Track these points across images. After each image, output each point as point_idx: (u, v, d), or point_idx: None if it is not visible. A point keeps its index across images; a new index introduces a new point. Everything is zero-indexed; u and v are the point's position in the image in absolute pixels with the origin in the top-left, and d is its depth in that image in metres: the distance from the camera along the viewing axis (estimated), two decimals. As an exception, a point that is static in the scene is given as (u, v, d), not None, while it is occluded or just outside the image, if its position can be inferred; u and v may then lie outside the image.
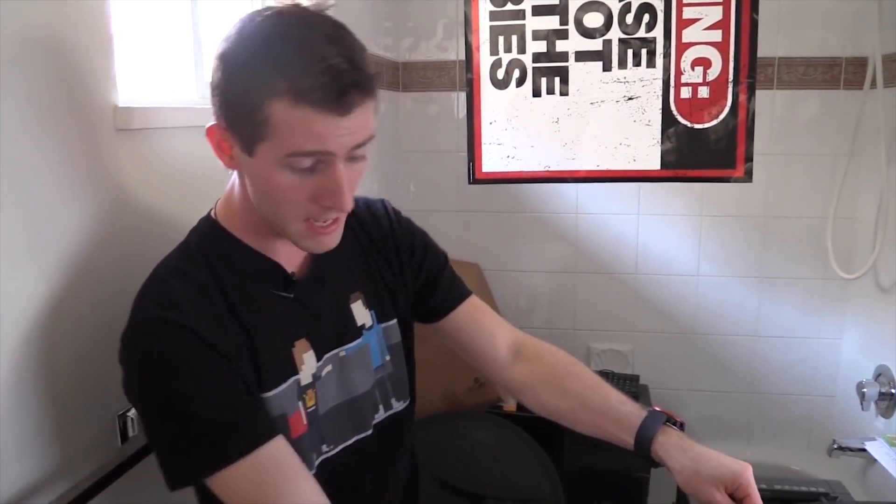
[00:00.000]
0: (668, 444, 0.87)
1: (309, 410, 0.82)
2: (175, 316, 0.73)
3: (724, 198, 2.06)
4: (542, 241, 2.19)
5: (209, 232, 0.82)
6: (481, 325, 1.00)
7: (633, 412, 0.91)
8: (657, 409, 0.91)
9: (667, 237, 2.12)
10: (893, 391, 1.80)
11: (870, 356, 1.90)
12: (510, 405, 1.99)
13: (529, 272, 2.22)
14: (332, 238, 0.79)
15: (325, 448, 0.85)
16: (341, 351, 0.86)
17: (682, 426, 0.90)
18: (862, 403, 1.84)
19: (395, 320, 0.94)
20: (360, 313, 0.90)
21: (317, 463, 0.83)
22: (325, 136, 0.69)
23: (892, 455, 1.26)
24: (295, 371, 0.81)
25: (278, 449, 0.74)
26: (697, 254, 2.10)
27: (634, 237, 2.13)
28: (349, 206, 0.74)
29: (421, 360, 1.01)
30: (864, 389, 1.83)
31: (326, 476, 0.82)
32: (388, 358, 0.93)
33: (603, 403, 0.93)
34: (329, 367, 0.85)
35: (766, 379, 2.13)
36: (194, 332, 0.73)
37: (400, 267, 0.95)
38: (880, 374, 1.85)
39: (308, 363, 0.82)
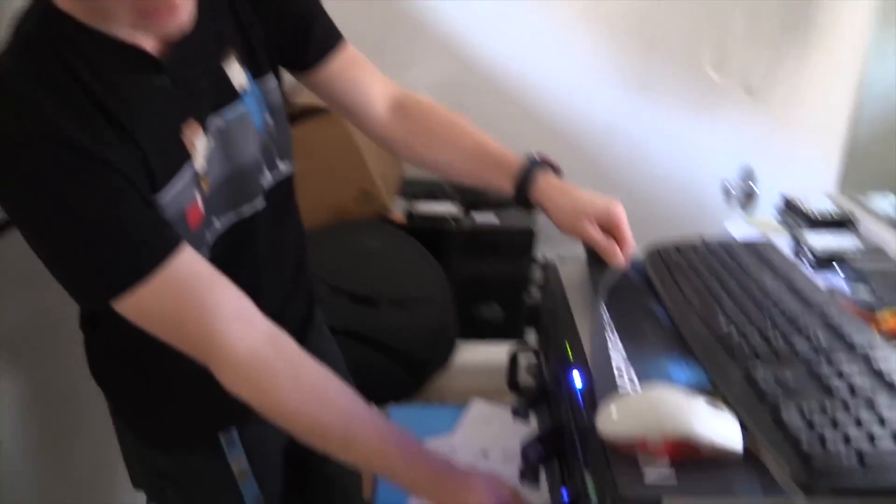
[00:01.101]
0: (547, 186, 0.89)
1: (205, 196, 0.78)
2: (41, 130, 0.63)
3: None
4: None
5: (46, 18, 0.67)
6: (356, 77, 0.94)
7: (512, 158, 0.91)
8: (536, 155, 0.91)
9: (546, 47, 2.11)
10: (753, 188, 1.93)
11: (735, 157, 2.02)
12: (397, 215, 2.00)
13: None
14: (179, 14, 0.66)
15: (216, 222, 0.81)
16: (218, 120, 0.80)
17: (559, 171, 0.92)
18: (727, 200, 1.97)
19: (271, 73, 0.88)
20: (236, 73, 0.83)
21: (211, 241, 0.80)
22: None
23: (749, 228, 1.37)
24: (188, 157, 0.74)
25: (189, 258, 0.70)
26: (577, 63, 2.11)
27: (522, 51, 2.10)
28: None
29: (305, 171, 0.97)
30: (729, 186, 1.96)
31: (221, 250, 0.79)
32: (269, 120, 0.88)
33: (482, 151, 0.93)
34: (211, 142, 0.79)
35: (641, 183, 2.23)
36: (69, 145, 0.63)
37: (267, 9, 0.86)
38: (744, 173, 1.97)
39: (200, 146, 0.76)
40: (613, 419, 0.60)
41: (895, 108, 1.51)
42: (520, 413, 0.95)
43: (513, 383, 1.00)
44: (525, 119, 2.17)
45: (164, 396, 0.90)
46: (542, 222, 2.05)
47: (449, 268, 1.92)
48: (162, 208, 0.71)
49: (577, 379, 0.70)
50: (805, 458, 0.55)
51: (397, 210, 2.02)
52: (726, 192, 1.97)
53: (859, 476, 0.54)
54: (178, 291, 0.69)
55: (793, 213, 1.37)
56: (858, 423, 0.58)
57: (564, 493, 0.68)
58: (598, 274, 0.86)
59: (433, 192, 2.09)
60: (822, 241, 1.14)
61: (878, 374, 0.65)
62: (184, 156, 0.74)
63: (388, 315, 1.79)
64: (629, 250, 0.86)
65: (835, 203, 1.36)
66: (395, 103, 0.96)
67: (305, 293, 1.02)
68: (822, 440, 0.56)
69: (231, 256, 0.79)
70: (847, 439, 0.56)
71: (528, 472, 0.75)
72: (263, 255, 0.89)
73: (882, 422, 0.58)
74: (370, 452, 0.74)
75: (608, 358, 0.70)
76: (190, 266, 0.70)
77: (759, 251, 0.91)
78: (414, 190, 2.10)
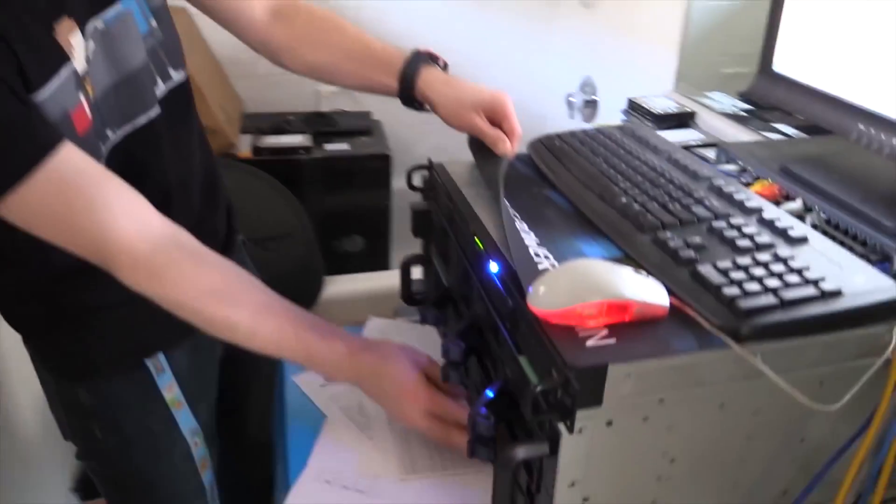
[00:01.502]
0: (432, 79, 0.87)
1: (91, 100, 0.73)
2: None
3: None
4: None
5: None
6: None
7: (396, 54, 0.89)
8: (421, 49, 0.88)
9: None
10: (595, 98, 2.00)
11: (576, 69, 2.08)
12: (243, 151, 1.87)
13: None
14: None
15: (109, 134, 0.76)
16: (97, 22, 0.74)
17: (445, 66, 0.89)
18: (570, 112, 2.03)
19: None
20: None
21: (105, 153, 0.76)
22: None
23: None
24: (66, 58, 0.69)
25: (74, 155, 0.66)
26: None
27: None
28: None
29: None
30: (572, 99, 2.02)
31: (120, 164, 0.75)
32: (153, 23, 0.82)
33: (365, 51, 0.91)
34: (92, 45, 0.73)
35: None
36: None
37: None
38: (585, 84, 2.04)
39: (78, 46, 0.70)
40: (545, 294, 0.59)
41: (724, 10, 1.61)
42: (429, 319, 0.93)
43: (407, 295, 0.97)
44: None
45: (83, 326, 0.84)
46: (395, 147, 2.01)
47: (305, 202, 1.84)
48: (42, 108, 0.66)
49: (493, 267, 0.68)
50: (729, 304, 0.57)
51: (243, 146, 1.89)
52: (569, 105, 2.03)
53: (780, 313, 0.57)
54: (63, 188, 0.65)
55: (639, 113, 1.43)
56: (768, 268, 0.61)
57: (489, 390, 0.67)
58: (487, 167, 0.84)
59: (279, 126, 1.97)
60: (670, 136, 1.20)
61: (775, 229, 0.68)
62: (61, 56, 0.68)
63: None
64: (517, 140, 0.86)
65: (675, 102, 1.44)
66: (274, 9, 0.92)
67: (223, 213, 0.99)
68: (741, 287, 0.59)
69: (131, 170, 0.74)
70: (762, 283, 0.59)
71: (450, 372, 0.73)
72: (165, 171, 0.84)
73: (788, 265, 0.62)
74: (282, 337, 0.74)
75: (523, 243, 0.69)
76: (76, 163, 0.66)
77: (636, 134, 0.94)
78: (258, 124, 1.98)
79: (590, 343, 0.56)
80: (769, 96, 0.99)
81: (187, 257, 0.72)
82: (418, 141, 1.97)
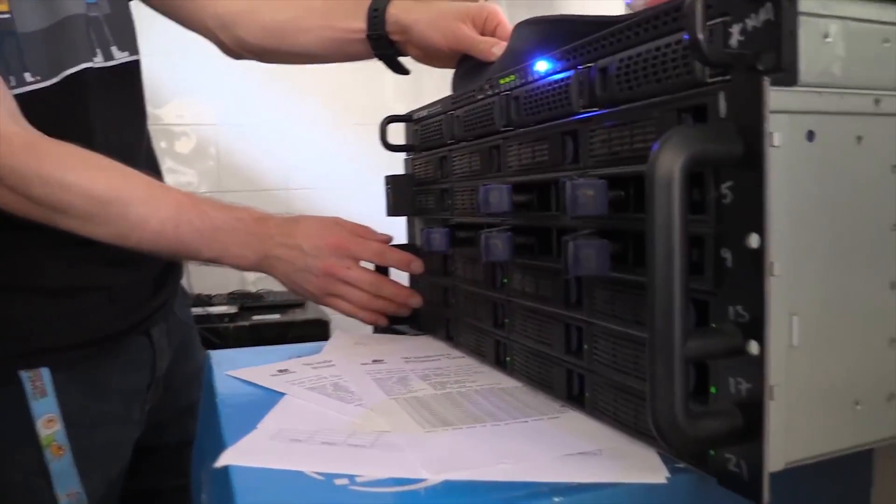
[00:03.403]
0: (406, 4, 0.77)
1: None
2: None
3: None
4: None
5: None
6: None
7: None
8: None
9: (316, 146, 2.03)
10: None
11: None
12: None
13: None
14: None
15: (29, 77, 0.68)
16: None
17: None
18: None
19: None
20: None
21: (20, 91, 0.67)
22: None
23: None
24: None
25: None
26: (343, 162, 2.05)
27: (282, 149, 2.00)
28: None
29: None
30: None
31: (40, 114, 0.67)
32: None
33: (329, 4, 0.83)
34: None
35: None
36: None
37: None
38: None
39: None
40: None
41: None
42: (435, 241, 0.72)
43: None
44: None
45: None
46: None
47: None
48: None
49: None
50: None
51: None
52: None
53: None
54: None
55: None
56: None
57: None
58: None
59: (201, 300, 1.77)
60: None
61: None
62: None
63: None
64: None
65: None
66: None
67: None
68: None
69: (51, 123, 0.66)
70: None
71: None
72: (90, 135, 0.72)
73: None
74: (181, 212, 0.65)
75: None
76: None
77: None
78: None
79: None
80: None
81: (71, 149, 0.64)
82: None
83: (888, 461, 0.47)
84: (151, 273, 0.78)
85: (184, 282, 0.89)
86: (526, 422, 0.48)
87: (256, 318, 1.75)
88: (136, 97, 0.81)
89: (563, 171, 0.50)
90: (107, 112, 0.74)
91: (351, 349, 0.72)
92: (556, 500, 0.36)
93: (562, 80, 0.49)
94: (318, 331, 1.73)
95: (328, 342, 0.75)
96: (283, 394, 0.56)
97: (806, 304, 0.36)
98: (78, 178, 0.62)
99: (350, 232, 0.71)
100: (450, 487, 0.38)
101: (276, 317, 1.76)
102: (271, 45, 0.84)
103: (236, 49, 0.86)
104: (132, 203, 0.63)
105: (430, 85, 1.87)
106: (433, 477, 0.39)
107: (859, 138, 0.37)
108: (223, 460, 0.42)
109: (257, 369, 0.64)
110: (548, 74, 0.52)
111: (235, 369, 0.64)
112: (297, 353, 0.71)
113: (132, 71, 0.79)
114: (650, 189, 0.33)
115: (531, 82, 0.54)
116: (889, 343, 0.38)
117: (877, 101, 0.37)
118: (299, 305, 1.87)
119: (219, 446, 0.50)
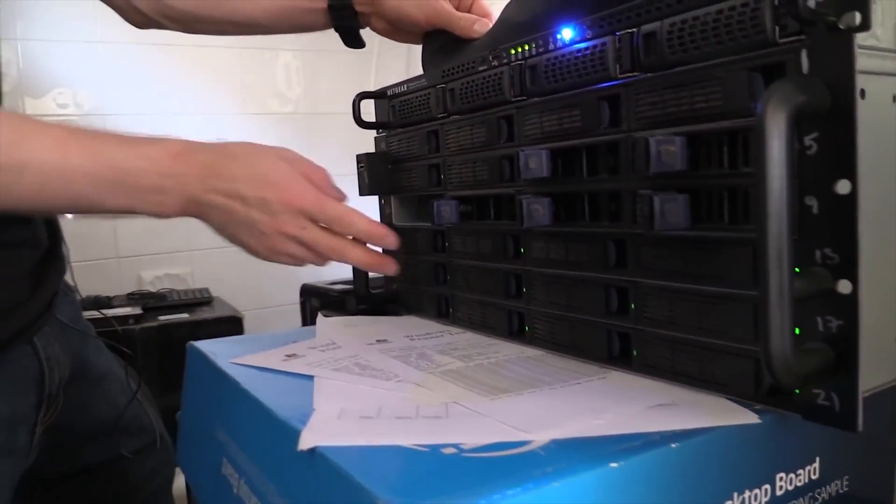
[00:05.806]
0: None
1: None
2: None
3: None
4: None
5: None
6: None
7: None
8: None
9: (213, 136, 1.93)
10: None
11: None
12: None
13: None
14: None
15: None
16: None
17: None
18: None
19: None
20: None
21: None
22: None
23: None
24: None
25: None
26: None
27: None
28: None
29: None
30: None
31: None
32: None
33: None
34: None
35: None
36: None
37: None
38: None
39: None
40: None
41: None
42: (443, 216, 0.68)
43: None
44: None
45: None
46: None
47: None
48: None
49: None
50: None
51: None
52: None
53: None
54: None
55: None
56: None
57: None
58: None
59: (100, 302, 1.64)
60: None
61: None
62: None
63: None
64: (490, 23, 0.72)
65: None
66: None
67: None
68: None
69: None
70: None
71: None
72: None
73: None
74: (66, 165, 0.50)
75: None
76: None
77: None
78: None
79: None
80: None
81: None
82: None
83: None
84: (27, 264, 0.62)
85: (68, 277, 0.72)
86: (578, 383, 0.49)
87: (163, 318, 1.64)
88: None
89: (599, 135, 0.51)
90: None
91: (345, 331, 0.69)
92: (673, 445, 0.37)
93: (594, 46, 0.50)
94: (231, 328, 1.65)
95: (317, 326, 0.72)
96: (299, 377, 0.54)
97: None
98: None
99: (305, 178, 0.56)
100: (562, 445, 0.38)
101: (184, 316, 1.66)
102: (205, 11, 0.75)
103: (151, 14, 0.76)
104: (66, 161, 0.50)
105: (327, 71, 1.85)
106: (538, 438, 0.38)
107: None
108: (307, 442, 0.39)
109: (263, 355, 0.60)
110: (573, 42, 0.53)
111: (233, 357, 0.61)
112: (283, 340, 0.67)
113: None
114: (762, 140, 0.35)
115: (553, 51, 0.54)
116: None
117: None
118: (207, 303, 1.77)
119: (265, 433, 0.47)
